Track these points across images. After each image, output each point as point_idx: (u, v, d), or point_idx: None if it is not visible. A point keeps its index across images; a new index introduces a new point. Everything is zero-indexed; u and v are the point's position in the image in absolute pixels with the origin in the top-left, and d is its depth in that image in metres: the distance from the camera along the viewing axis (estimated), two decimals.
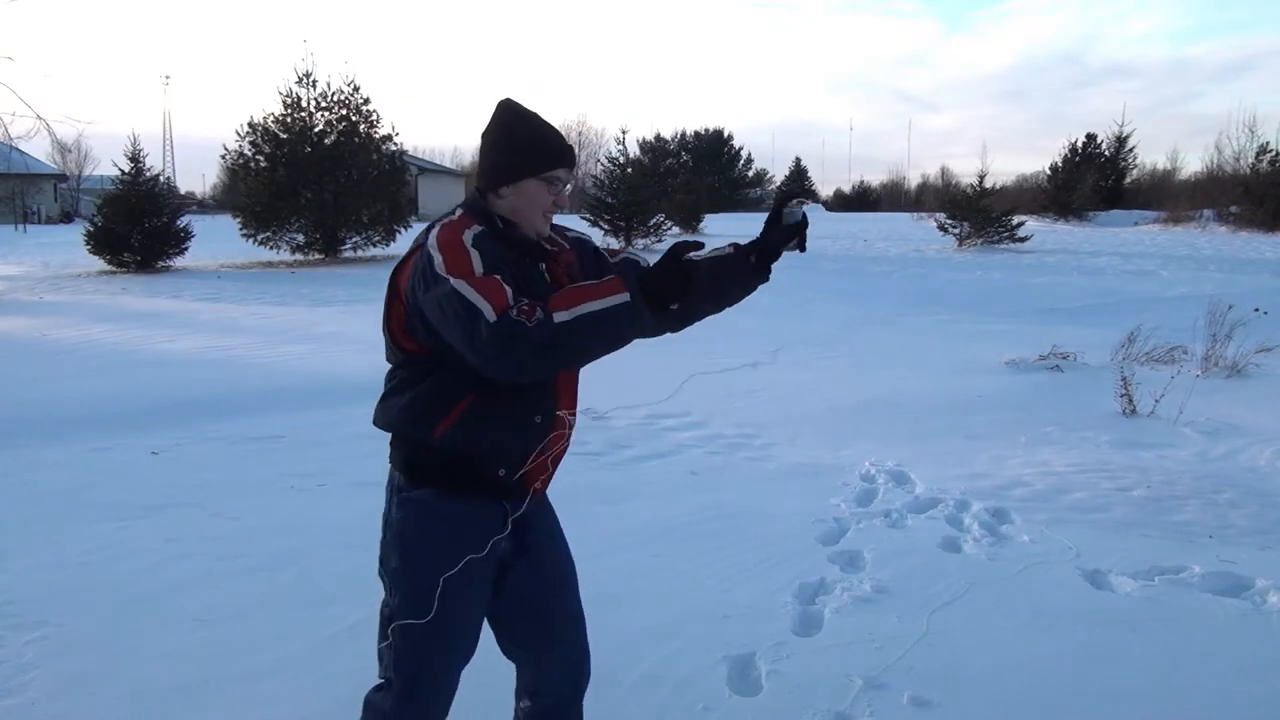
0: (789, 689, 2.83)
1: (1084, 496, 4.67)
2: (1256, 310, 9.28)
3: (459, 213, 1.96)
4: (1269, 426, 6.01)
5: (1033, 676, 2.92)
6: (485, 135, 2.04)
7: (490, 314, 1.72)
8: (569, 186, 2.06)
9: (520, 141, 1.98)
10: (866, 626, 3.23)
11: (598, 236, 21.51)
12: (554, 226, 2.08)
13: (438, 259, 1.81)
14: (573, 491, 4.73)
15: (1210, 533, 4.18)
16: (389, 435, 2.03)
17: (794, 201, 1.93)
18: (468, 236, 1.85)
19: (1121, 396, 6.44)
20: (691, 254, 1.85)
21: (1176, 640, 3.15)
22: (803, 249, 1.94)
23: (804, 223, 1.93)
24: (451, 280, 1.77)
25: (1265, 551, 3.95)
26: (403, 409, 1.95)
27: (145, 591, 3.52)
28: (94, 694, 2.79)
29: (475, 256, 1.81)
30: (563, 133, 2.06)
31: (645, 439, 5.84)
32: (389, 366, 2.02)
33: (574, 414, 2.11)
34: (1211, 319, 8.07)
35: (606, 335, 1.74)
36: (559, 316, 1.70)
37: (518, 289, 1.80)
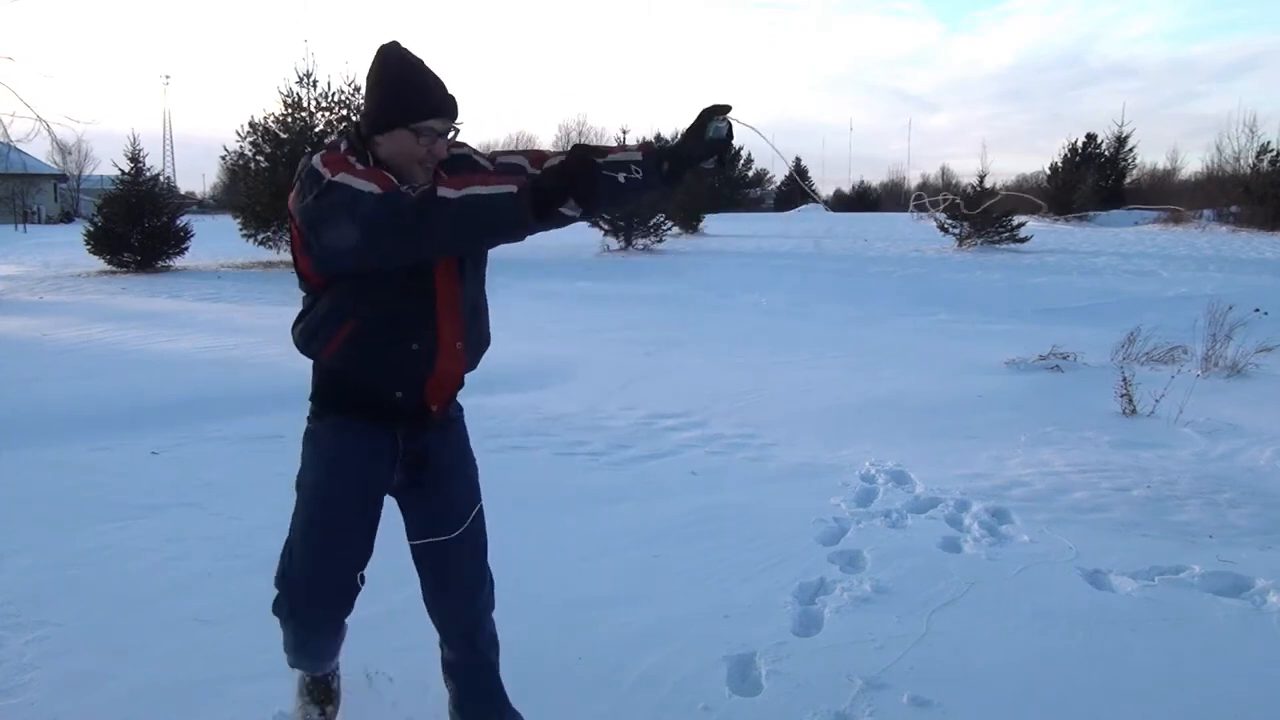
0: (789, 689, 2.83)
1: (1084, 496, 4.67)
2: (1257, 310, 9.29)
3: (343, 145, 2.03)
4: (1269, 426, 6.01)
5: (1033, 676, 2.92)
6: (366, 80, 2.08)
7: (377, 190, 1.81)
8: (448, 136, 2.05)
9: (391, 91, 2.00)
10: (866, 626, 3.23)
11: (597, 236, 21.55)
12: (454, 157, 2.11)
13: (321, 170, 1.90)
14: (573, 491, 4.75)
15: (1210, 533, 4.18)
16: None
17: (720, 116, 1.92)
18: (342, 152, 1.97)
19: (1121, 396, 6.44)
20: (597, 158, 1.85)
21: (1176, 640, 3.15)
22: (722, 166, 1.97)
23: (728, 139, 1.91)
24: (335, 177, 1.86)
25: (1265, 551, 3.95)
26: (300, 331, 2.14)
27: (145, 591, 3.52)
28: (94, 694, 2.79)
29: (355, 162, 1.93)
30: (441, 80, 2.05)
31: (645, 439, 5.84)
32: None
33: (462, 345, 2.14)
34: (1211, 319, 8.07)
35: (486, 221, 1.77)
36: (444, 192, 1.76)
37: None
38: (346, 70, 30.40)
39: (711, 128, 1.92)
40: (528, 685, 2.83)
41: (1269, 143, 33.07)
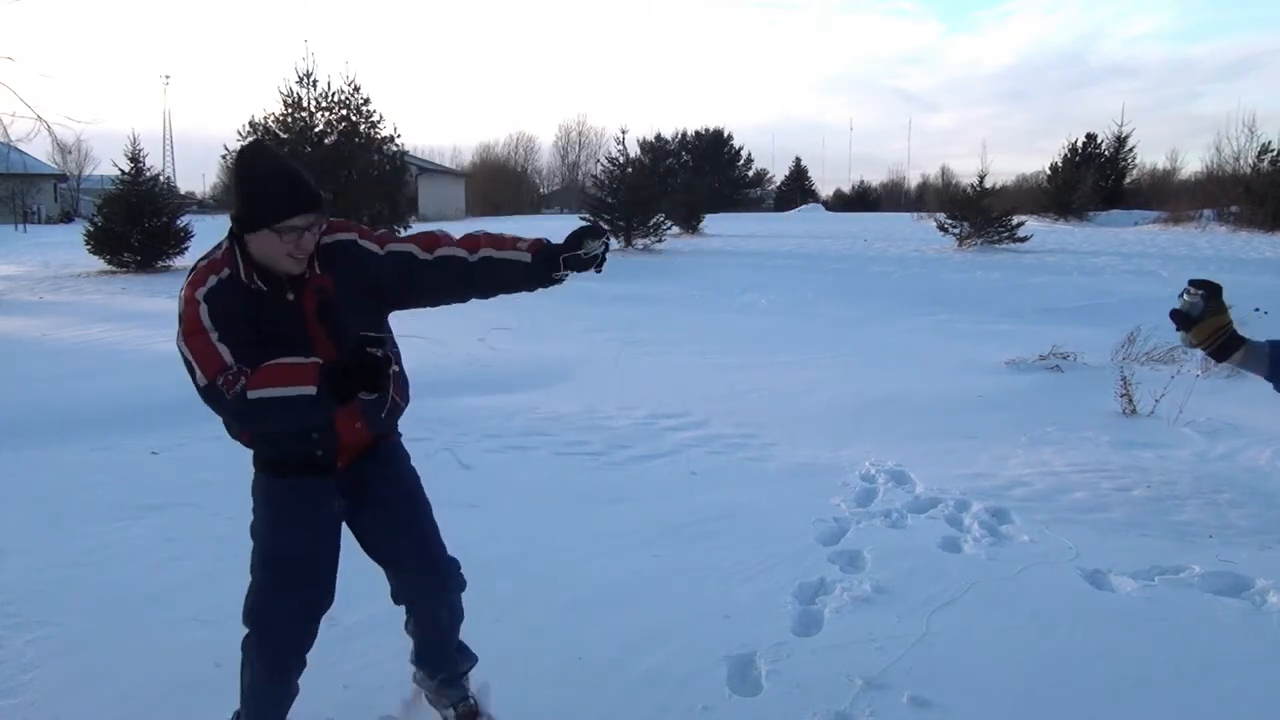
0: (789, 689, 2.83)
1: (1084, 496, 4.67)
2: (1256, 310, 9.27)
3: (221, 250, 2.16)
4: (1269, 426, 6.01)
5: (1033, 676, 2.92)
6: (231, 182, 2.19)
7: (201, 378, 2.00)
8: (312, 230, 2.12)
9: (250, 193, 2.09)
10: (866, 626, 3.23)
11: None
12: (326, 238, 2.22)
13: (180, 312, 2.07)
14: (573, 491, 4.75)
15: (1210, 533, 4.18)
16: None
17: (596, 241, 2.20)
18: (201, 293, 2.07)
19: (1121, 396, 6.44)
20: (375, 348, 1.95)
21: (1176, 640, 3.14)
22: (599, 270, 2.24)
23: (602, 256, 2.21)
24: (181, 338, 2.05)
25: (1265, 551, 3.95)
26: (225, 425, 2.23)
27: (145, 591, 3.52)
28: (94, 694, 2.79)
29: (205, 313, 2.04)
30: (301, 175, 2.13)
31: (645, 439, 5.85)
32: None
33: (361, 425, 2.31)
34: None
35: (289, 417, 1.99)
36: (251, 394, 1.95)
37: (260, 330, 2.06)
38: (346, 70, 30.52)
39: (587, 248, 2.18)
40: (528, 685, 2.84)
41: (1269, 143, 33.02)
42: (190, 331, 2.04)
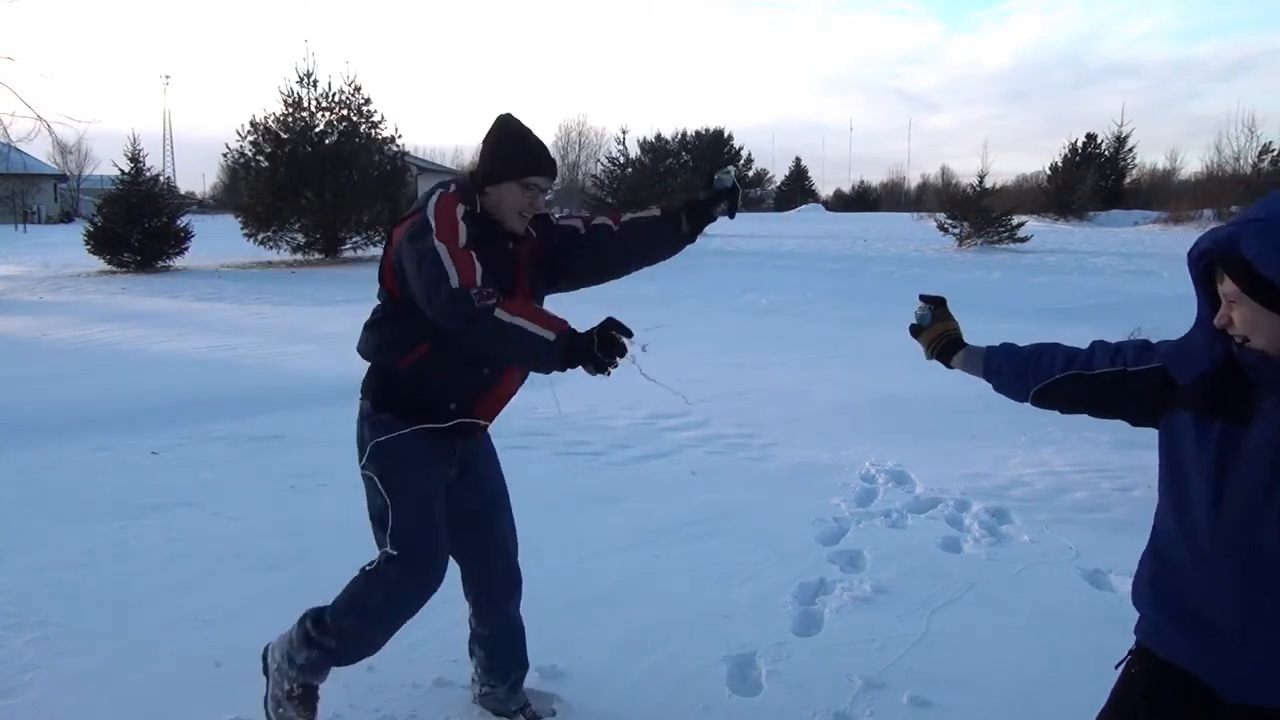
0: (789, 689, 2.83)
1: (1084, 496, 4.67)
2: None
3: (453, 187, 2.28)
4: None
5: (1033, 676, 2.92)
6: (484, 140, 2.37)
7: (455, 281, 2.05)
8: (547, 194, 2.35)
9: (506, 149, 2.30)
10: (866, 626, 3.23)
11: None
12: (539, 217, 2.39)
13: (433, 222, 2.14)
14: (573, 491, 4.75)
15: None
16: (367, 366, 2.43)
17: (723, 170, 2.29)
18: (460, 210, 2.18)
19: None
20: (630, 216, 2.37)
21: None
22: (731, 215, 2.34)
23: (734, 189, 2.28)
24: (438, 242, 2.11)
25: None
26: (376, 340, 2.36)
27: (145, 591, 3.52)
28: (94, 694, 2.79)
29: (463, 230, 2.14)
30: (549, 149, 2.37)
31: (645, 439, 5.85)
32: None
33: (521, 374, 2.43)
34: None
35: (520, 352, 2.07)
36: (500, 315, 2.03)
37: (485, 268, 2.11)
38: (347, 70, 30.52)
39: (719, 180, 2.27)
40: (528, 685, 2.83)
41: (1270, 143, 33.02)
42: (449, 238, 2.11)
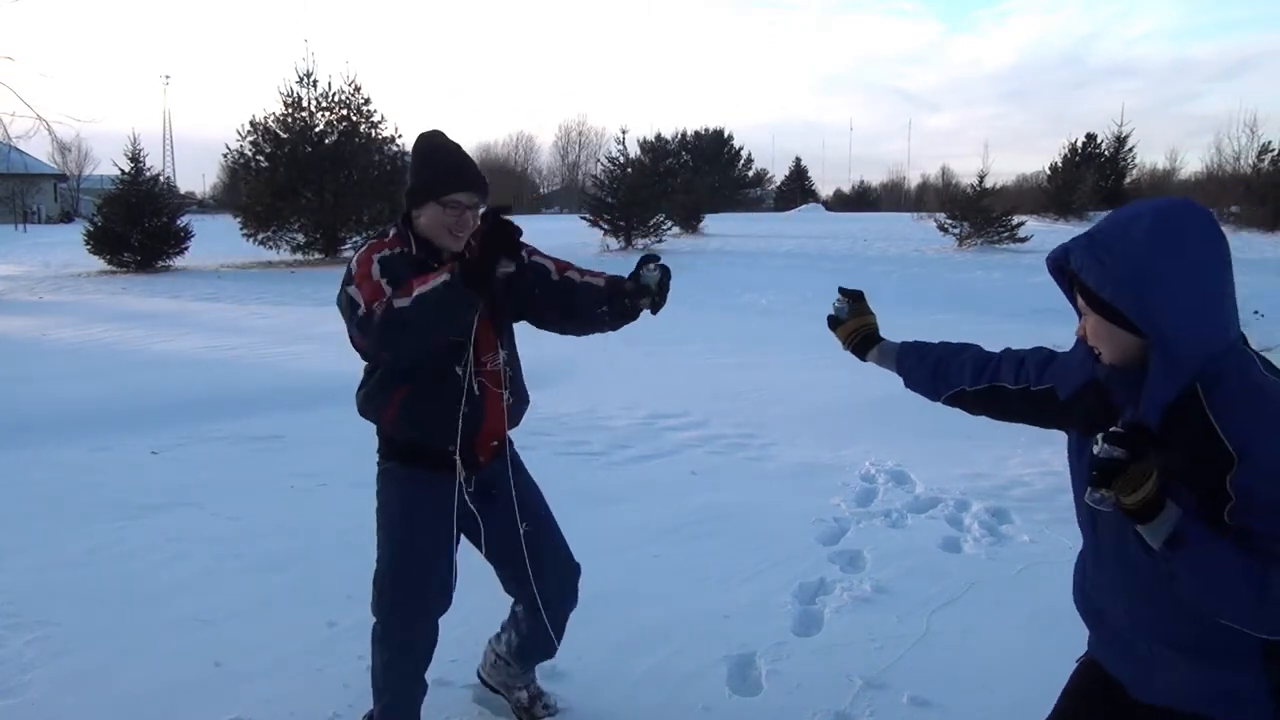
0: (789, 689, 2.83)
1: None
2: (1255, 313, 9.25)
3: (391, 233, 2.33)
4: None
5: (1033, 676, 2.92)
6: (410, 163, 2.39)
7: (362, 309, 2.11)
8: (475, 209, 2.27)
9: (420, 170, 2.31)
10: (866, 626, 3.23)
11: (597, 236, 21.52)
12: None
13: (353, 269, 2.21)
14: (573, 491, 4.74)
15: None
16: None
17: (648, 268, 2.24)
18: (377, 256, 2.22)
19: None
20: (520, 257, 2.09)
21: None
22: (654, 311, 2.31)
23: (658, 287, 2.24)
24: (349, 286, 2.18)
25: None
26: (362, 400, 2.40)
27: (145, 591, 3.52)
28: (94, 694, 2.79)
29: (375, 267, 2.19)
30: (469, 159, 2.33)
31: (645, 439, 5.85)
32: None
33: (504, 406, 2.40)
34: None
35: (436, 313, 2.03)
36: (398, 302, 2.05)
37: None
38: (347, 70, 30.52)
39: (642, 274, 2.23)
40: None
41: (1270, 142, 33.00)
42: (360, 277, 2.19)
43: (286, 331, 10.55)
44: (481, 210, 2.25)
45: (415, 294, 2.03)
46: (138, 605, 3.39)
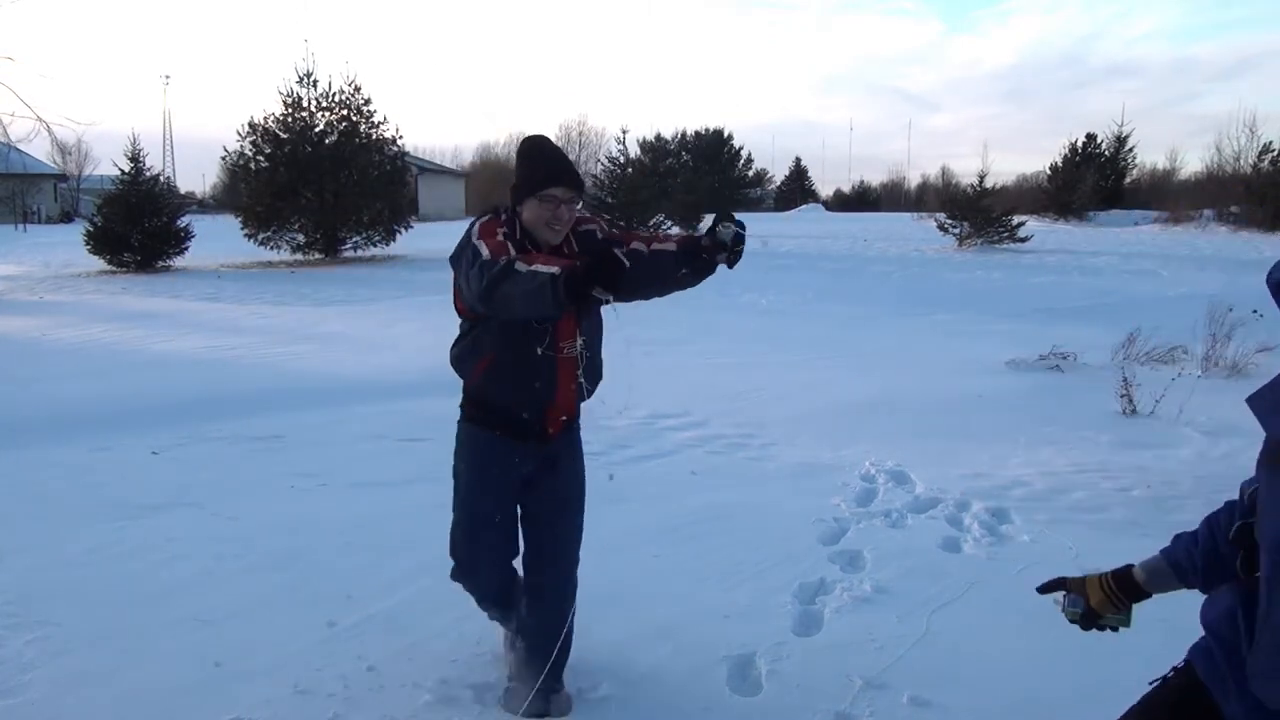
0: (789, 689, 2.83)
1: (1084, 496, 4.67)
2: (1255, 313, 9.25)
3: (503, 214, 2.54)
4: None
5: (1033, 676, 2.92)
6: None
7: (486, 256, 2.30)
8: (570, 204, 2.50)
9: (523, 168, 2.53)
10: (866, 626, 3.23)
11: None
12: (579, 228, 2.60)
13: (473, 230, 2.44)
14: None
15: None
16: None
17: (724, 225, 2.38)
18: (500, 231, 2.46)
19: (1122, 396, 6.44)
20: (633, 246, 2.48)
21: (1176, 639, 3.14)
22: (730, 265, 2.43)
23: (734, 244, 2.37)
24: (474, 238, 2.40)
25: None
26: (455, 357, 2.65)
27: (145, 591, 3.52)
28: (94, 694, 2.79)
29: (500, 232, 2.44)
30: (566, 159, 2.57)
31: (645, 439, 5.84)
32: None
33: (574, 387, 2.60)
34: (1212, 319, 8.06)
35: (530, 294, 2.17)
36: (518, 265, 2.22)
37: None
38: (347, 70, 30.53)
39: (719, 231, 2.37)
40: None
41: (1270, 143, 33.00)
42: (487, 234, 2.40)
43: (286, 331, 10.55)
44: (579, 207, 2.54)
45: (533, 267, 2.20)
46: (138, 605, 3.39)
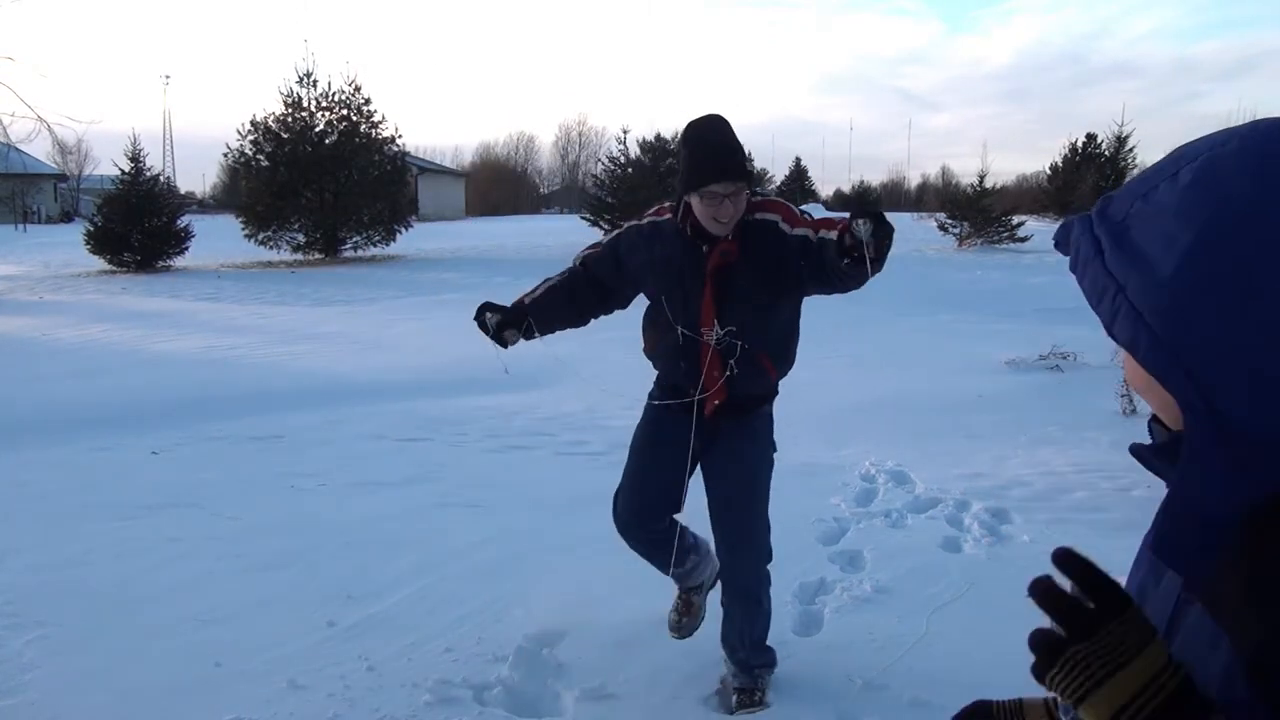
0: (789, 689, 2.83)
1: (1084, 496, 4.67)
2: None
3: (668, 204, 2.66)
4: None
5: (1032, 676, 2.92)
6: None
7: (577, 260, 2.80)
8: (734, 196, 2.41)
9: (682, 164, 2.50)
10: (866, 626, 3.23)
11: (597, 236, 21.50)
12: (753, 215, 2.52)
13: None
14: (573, 491, 4.74)
15: None
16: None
17: (862, 220, 2.23)
18: (628, 225, 2.78)
19: (1122, 396, 6.44)
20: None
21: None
22: (871, 265, 2.28)
23: (868, 240, 2.21)
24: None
25: None
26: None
27: (145, 591, 3.52)
28: (94, 694, 2.79)
29: (613, 235, 2.80)
30: (727, 148, 2.43)
31: None
32: None
33: (727, 371, 2.58)
34: None
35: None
36: (551, 277, 2.82)
37: (666, 262, 2.58)
38: (347, 70, 30.52)
39: (854, 227, 2.20)
40: (528, 684, 2.83)
41: None
42: (616, 229, 2.80)
43: (286, 331, 10.55)
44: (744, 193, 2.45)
45: (532, 290, 2.70)
46: (138, 605, 3.39)
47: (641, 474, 2.79)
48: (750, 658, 2.76)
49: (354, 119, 20.37)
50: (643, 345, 2.77)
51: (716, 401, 2.63)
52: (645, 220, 2.67)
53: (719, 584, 2.85)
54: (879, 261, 2.27)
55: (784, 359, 2.72)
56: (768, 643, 2.80)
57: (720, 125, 2.47)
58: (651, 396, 2.82)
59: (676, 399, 2.67)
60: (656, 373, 2.81)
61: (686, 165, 2.46)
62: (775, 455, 2.77)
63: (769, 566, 2.80)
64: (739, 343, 2.56)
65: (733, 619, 2.78)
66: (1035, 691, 2.59)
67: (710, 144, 2.45)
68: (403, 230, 21.13)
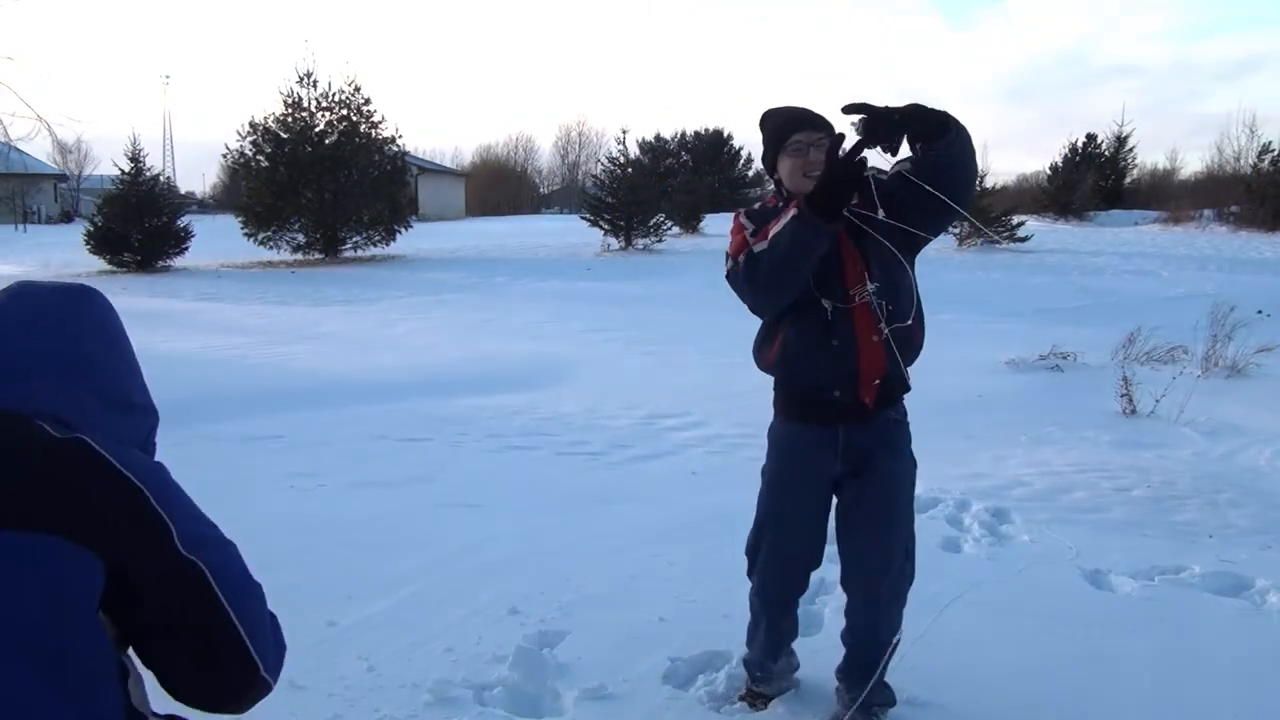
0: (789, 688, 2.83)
1: (1084, 496, 4.66)
2: (1260, 312, 9.24)
3: (769, 196, 2.61)
4: (1269, 426, 6.01)
5: (1033, 676, 2.92)
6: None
7: (728, 264, 2.40)
8: (819, 145, 2.32)
9: (765, 132, 2.50)
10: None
11: (597, 236, 21.54)
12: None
13: (731, 231, 2.48)
14: (573, 491, 4.75)
15: (1210, 533, 4.18)
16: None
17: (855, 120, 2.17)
18: (745, 211, 2.51)
19: (1122, 396, 6.44)
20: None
21: (1176, 640, 3.14)
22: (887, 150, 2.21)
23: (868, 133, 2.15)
24: (730, 246, 2.45)
25: (1265, 551, 3.95)
26: (754, 351, 2.60)
27: None
28: None
29: (744, 220, 2.45)
30: (803, 108, 2.47)
31: (645, 439, 5.84)
32: None
33: (878, 339, 2.38)
34: (1213, 319, 8.07)
35: (790, 248, 2.18)
36: (756, 247, 2.26)
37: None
38: (347, 70, 30.54)
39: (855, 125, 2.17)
40: (528, 684, 2.83)
41: (1270, 143, 32.99)
42: (732, 232, 2.44)
43: (286, 331, 10.55)
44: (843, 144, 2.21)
45: (770, 235, 2.21)
46: None
47: (780, 506, 2.60)
48: (876, 694, 2.59)
49: (354, 119, 20.36)
50: (764, 358, 2.53)
51: (876, 381, 2.39)
52: (757, 205, 2.54)
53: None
54: (929, 121, 2.20)
55: (921, 328, 2.51)
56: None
57: (793, 104, 2.53)
58: (784, 416, 2.60)
59: (825, 406, 2.43)
60: (783, 389, 2.58)
61: (768, 135, 2.47)
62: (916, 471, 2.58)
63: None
64: (884, 301, 2.35)
65: (872, 645, 2.57)
66: (1035, 691, 2.62)
67: (783, 108, 2.50)
68: (403, 230, 21.12)
